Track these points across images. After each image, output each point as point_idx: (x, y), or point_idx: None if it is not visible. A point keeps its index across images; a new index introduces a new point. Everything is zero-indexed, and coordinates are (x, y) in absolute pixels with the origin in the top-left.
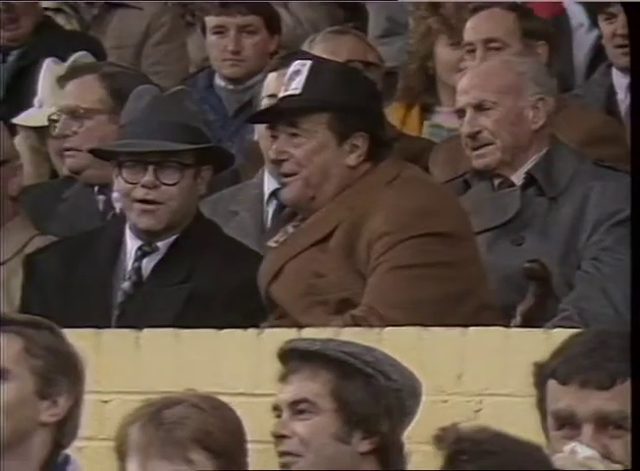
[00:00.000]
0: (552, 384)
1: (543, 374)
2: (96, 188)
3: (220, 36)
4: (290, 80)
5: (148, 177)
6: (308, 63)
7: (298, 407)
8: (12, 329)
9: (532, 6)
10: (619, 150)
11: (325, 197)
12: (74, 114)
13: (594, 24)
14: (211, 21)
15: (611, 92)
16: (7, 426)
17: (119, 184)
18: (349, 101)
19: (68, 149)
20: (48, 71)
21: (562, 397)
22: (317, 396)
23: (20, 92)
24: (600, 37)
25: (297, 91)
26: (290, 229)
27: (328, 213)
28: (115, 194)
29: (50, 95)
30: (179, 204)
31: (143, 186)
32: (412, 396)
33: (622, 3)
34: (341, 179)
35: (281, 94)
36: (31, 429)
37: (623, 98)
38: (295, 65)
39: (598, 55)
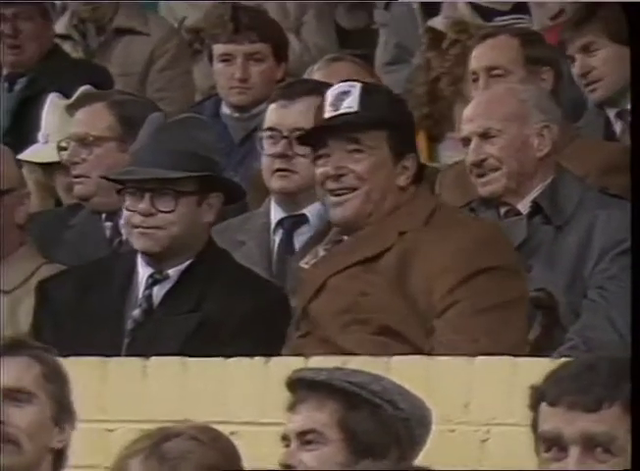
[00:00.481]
0: (542, 406)
1: (536, 396)
2: (104, 216)
3: (227, 64)
4: (338, 100)
5: (144, 204)
6: (357, 84)
7: (306, 438)
8: (29, 353)
9: (544, 32)
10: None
11: (380, 215)
12: (83, 141)
13: None
14: (219, 48)
15: (607, 121)
16: (30, 448)
17: (124, 211)
18: (403, 121)
19: (77, 176)
20: (52, 105)
21: (550, 419)
22: (324, 427)
23: (26, 121)
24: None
25: (353, 109)
26: (320, 251)
27: (377, 233)
28: (122, 220)
29: (55, 130)
30: (179, 230)
31: (140, 214)
32: (422, 425)
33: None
34: (393, 199)
35: (328, 114)
36: (44, 455)
37: (615, 123)
38: (341, 86)
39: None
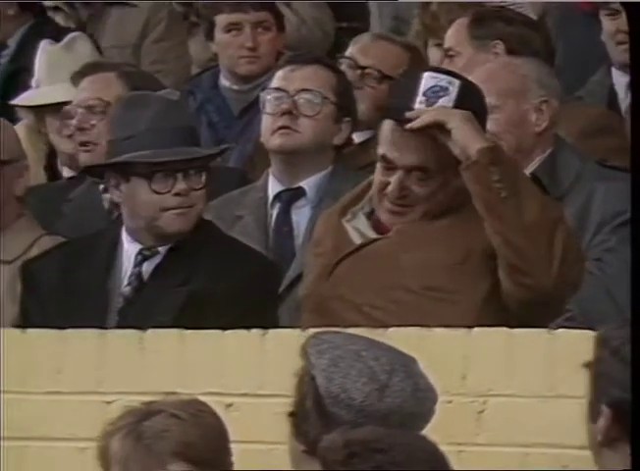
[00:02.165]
0: None
1: None
2: (102, 187)
3: (234, 34)
4: (437, 97)
5: (182, 185)
6: (457, 81)
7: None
8: None
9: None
10: (618, 141)
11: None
12: (93, 108)
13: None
14: (223, 19)
15: (612, 93)
16: None
17: (143, 196)
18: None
19: (84, 143)
20: (44, 52)
21: None
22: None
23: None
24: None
25: None
26: (361, 215)
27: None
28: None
29: (46, 75)
30: (202, 207)
31: (176, 195)
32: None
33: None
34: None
35: (417, 105)
36: None
37: (624, 97)
38: (440, 79)
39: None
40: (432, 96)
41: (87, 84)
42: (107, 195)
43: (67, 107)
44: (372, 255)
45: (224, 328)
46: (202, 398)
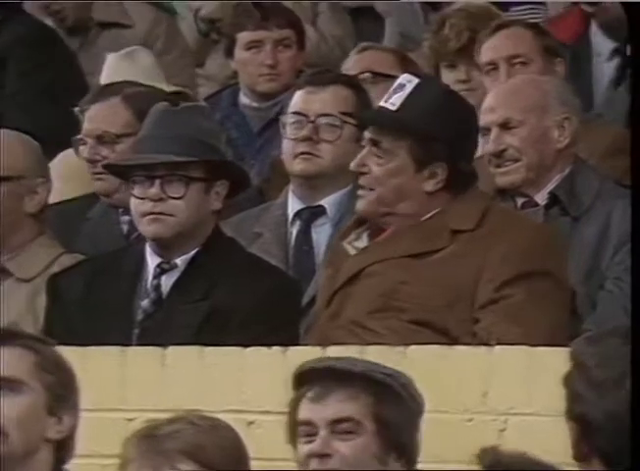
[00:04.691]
0: None
1: None
2: (121, 210)
3: (255, 52)
4: (393, 93)
5: (155, 189)
6: (415, 80)
7: (341, 427)
8: (22, 343)
9: (554, 28)
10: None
11: (400, 214)
12: (101, 139)
13: (615, 52)
14: (245, 36)
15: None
16: (19, 438)
17: (131, 202)
18: (437, 131)
19: (97, 173)
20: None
21: None
22: (361, 416)
23: None
24: (622, 67)
25: (394, 107)
26: (364, 235)
27: (428, 232)
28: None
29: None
30: (187, 217)
31: (151, 200)
32: (422, 416)
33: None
34: (417, 202)
35: (381, 103)
36: (38, 445)
37: None
38: (403, 78)
39: (616, 83)
40: (391, 93)
41: (95, 113)
42: (125, 217)
43: (78, 136)
44: (369, 281)
45: (245, 344)
46: (224, 416)
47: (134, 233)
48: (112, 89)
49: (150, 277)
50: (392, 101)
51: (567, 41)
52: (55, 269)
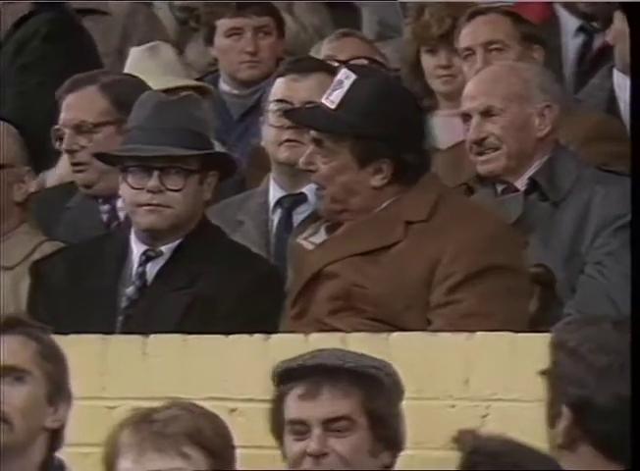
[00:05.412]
0: None
1: None
2: (100, 199)
3: (235, 39)
4: (333, 89)
5: (153, 182)
6: (353, 77)
7: (336, 425)
8: (24, 331)
9: (521, 10)
10: (620, 147)
11: (354, 210)
12: (79, 129)
13: (580, 29)
14: (225, 24)
15: (612, 96)
16: (22, 427)
17: (123, 190)
18: (376, 128)
19: (77, 164)
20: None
21: None
22: (354, 414)
23: None
24: (586, 43)
25: (333, 106)
26: (322, 228)
27: (382, 225)
28: (120, 202)
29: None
30: (184, 209)
31: (149, 191)
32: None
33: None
34: (366, 197)
35: (322, 99)
36: (37, 434)
37: (625, 99)
38: (342, 73)
39: (583, 60)
40: (332, 89)
41: (72, 102)
42: (105, 207)
43: (56, 126)
44: (328, 283)
45: (228, 332)
46: (206, 403)
47: (115, 221)
48: (88, 78)
49: (135, 264)
50: (332, 98)
51: (537, 21)
52: (36, 256)
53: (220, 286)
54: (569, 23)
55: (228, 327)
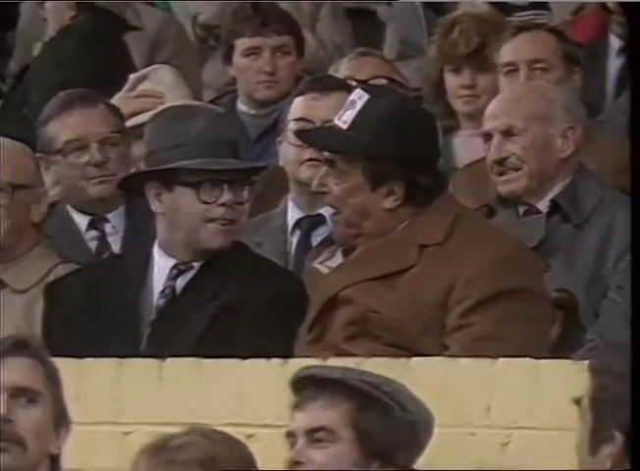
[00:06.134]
0: None
1: None
2: (85, 224)
3: (253, 58)
4: (346, 109)
5: (229, 196)
6: (365, 96)
7: (316, 435)
8: (31, 353)
9: (573, 28)
10: None
11: (369, 233)
12: (107, 140)
13: (622, 50)
14: (243, 43)
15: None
16: (35, 451)
17: (187, 205)
18: (389, 150)
19: (104, 176)
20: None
21: None
22: (336, 425)
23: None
24: (625, 66)
25: (345, 126)
26: (338, 253)
27: (397, 248)
28: (108, 227)
29: None
30: (243, 222)
31: (222, 205)
32: (426, 429)
33: (622, 3)
34: (380, 220)
35: (335, 119)
36: (43, 458)
37: None
38: (355, 93)
39: (623, 81)
40: (345, 109)
41: (80, 119)
42: (92, 232)
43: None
44: (344, 309)
45: (245, 356)
46: (222, 429)
47: (105, 251)
48: (92, 95)
49: (165, 278)
50: (344, 119)
51: (585, 41)
52: (51, 279)
53: (244, 297)
54: (613, 43)
55: (249, 339)
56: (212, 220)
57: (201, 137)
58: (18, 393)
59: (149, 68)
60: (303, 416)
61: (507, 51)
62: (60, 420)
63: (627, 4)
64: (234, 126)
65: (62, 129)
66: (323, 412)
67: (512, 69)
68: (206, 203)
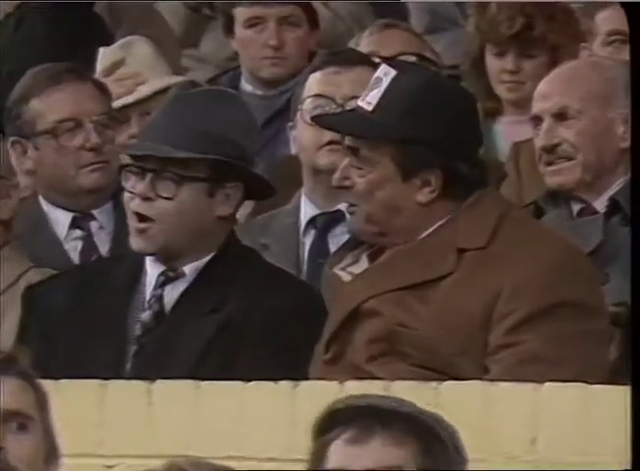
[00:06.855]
0: None
1: None
2: (67, 222)
3: (256, 30)
4: (370, 89)
5: (143, 186)
6: (392, 73)
7: None
8: (19, 372)
9: None
10: None
11: (396, 232)
12: (98, 122)
13: None
14: (243, 12)
15: None
16: None
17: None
18: (421, 132)
19: (98, 162)
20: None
21: None
22: (406, 466)
23: None
24: None
25: (370, 108)
26: (363, 256)
27: (431, 253)
28: (94, 226)
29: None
30: (178, 222)
31: (138, 196)
32: None
33: (622, 3)
34: (411, 216)
35: (359, 101)
36: None
37: None
38: (381, 70)
39: None
40: (369, 89)
41: (71, 98)
42: (76, 232)
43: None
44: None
45: (249, 378)
46: (221, 463)
47: (93, 254)
48: (79, 72)
49: (151, 287)
50: (368, 100)
51: None
52: (21, 286)
53: (251, 311)
54: None
55: (258, 355)
56: (132, 212)
57: (155, 118)
58: (8, 417)
59: (123, 40)
60: (365, 453)
61: (607, 20)
62: (51, 452)
63: (627, 4)
64: (207, 110)
65: (50, 105)
66: (393, 450)
67: (620, 39)
68: (129, 192)
